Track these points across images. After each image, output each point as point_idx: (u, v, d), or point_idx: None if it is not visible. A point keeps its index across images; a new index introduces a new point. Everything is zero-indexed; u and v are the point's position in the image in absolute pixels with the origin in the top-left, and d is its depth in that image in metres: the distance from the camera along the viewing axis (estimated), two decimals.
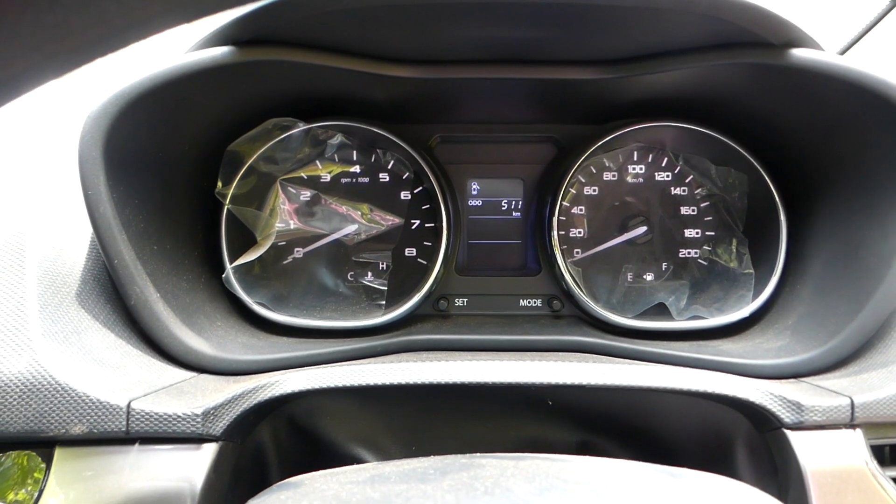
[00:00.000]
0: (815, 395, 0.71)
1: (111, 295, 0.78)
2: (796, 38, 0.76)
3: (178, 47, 0.79)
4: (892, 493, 0.66)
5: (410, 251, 1.06)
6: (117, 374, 0.70)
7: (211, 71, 0.76)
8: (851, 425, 0.70)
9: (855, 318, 0.77)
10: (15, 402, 0.65)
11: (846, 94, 0.76)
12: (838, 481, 0.67)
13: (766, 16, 0.73)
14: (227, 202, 0.96)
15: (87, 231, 0.79)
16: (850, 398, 0.69)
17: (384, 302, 1.01)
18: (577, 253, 1.04)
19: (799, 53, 0.76)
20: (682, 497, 0.49)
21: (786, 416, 0.70)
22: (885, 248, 0.76)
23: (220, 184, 0.95)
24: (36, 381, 0.65)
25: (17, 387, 0.65)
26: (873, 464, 0.68)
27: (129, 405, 0.66)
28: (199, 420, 0.66)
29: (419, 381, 0.73)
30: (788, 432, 0.70)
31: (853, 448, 0.69)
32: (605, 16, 0.74)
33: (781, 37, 0.76)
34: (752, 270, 0.98)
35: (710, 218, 1.04)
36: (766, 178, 0.97)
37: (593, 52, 0.85)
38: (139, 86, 0.74)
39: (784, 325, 0.89)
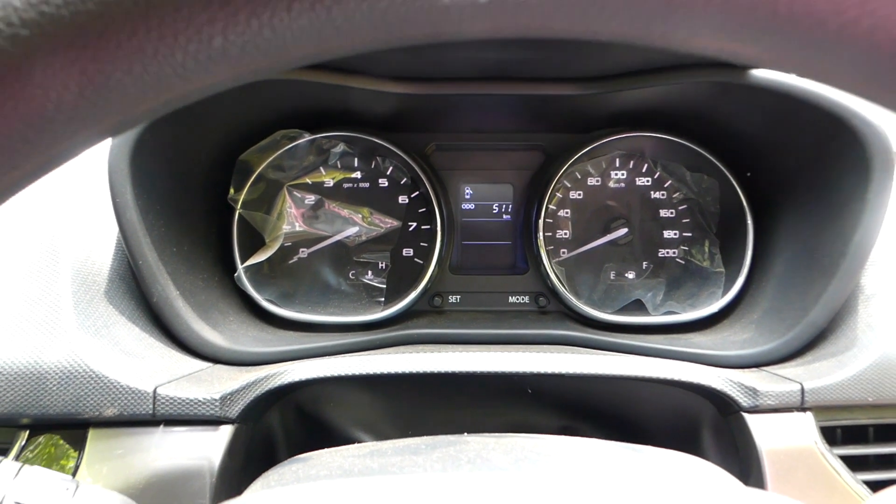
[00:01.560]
0: (770, 381, 0.79)
1: (135, 292, 0.86)
2: None
3: None
4: (840, 469, 0.74)
5: (408, 251, 1.13)
6: (143, 364, 0.78)
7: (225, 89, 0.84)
8: (802, 409, 0.77)
9: (809, 313, 0.85)
10: (54, 388, 0.73)
11: (799, 110, 0.84)
12: (790, 459, 0.75)
13: None
14: (239, 207, 1.03)
15: (113, 235, 0.86)
16: (801, 384, 0.77)
17: (383, 299, 1.08)
18: (563, 253, 1.12)
19: (757, 73, 0.84)
20: (641, 468, 0.57)
21: (743, 400, 0.77)
22: (835, 251, 0.84)
23: (232, 190, 1.02)
24: (73, 369, 0.73)
25: (56, 374, 0.73)
26: (822, 443, 0.76)
27: (155, 390, 0.74)
28: (217, 404, 0.74)
29: (415, 371, 0.81)
30: (746, 415, 0.78)
31: (804, 429, 0.77)
32: (583, 41, 0.81)
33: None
34: (722, 269, 1.05)
35: (687, 220, 1.11)
36: (735, 184, 1.04)
37: (574, 70, 0.92)
38: None
39: (749, 319, 0.96)
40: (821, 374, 0.79)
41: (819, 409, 0.78)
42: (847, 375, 0.78)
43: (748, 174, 1.03)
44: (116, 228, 0.85)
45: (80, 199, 0.88)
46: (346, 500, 0.40)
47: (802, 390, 0.77)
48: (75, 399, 0.73)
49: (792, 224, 0.95)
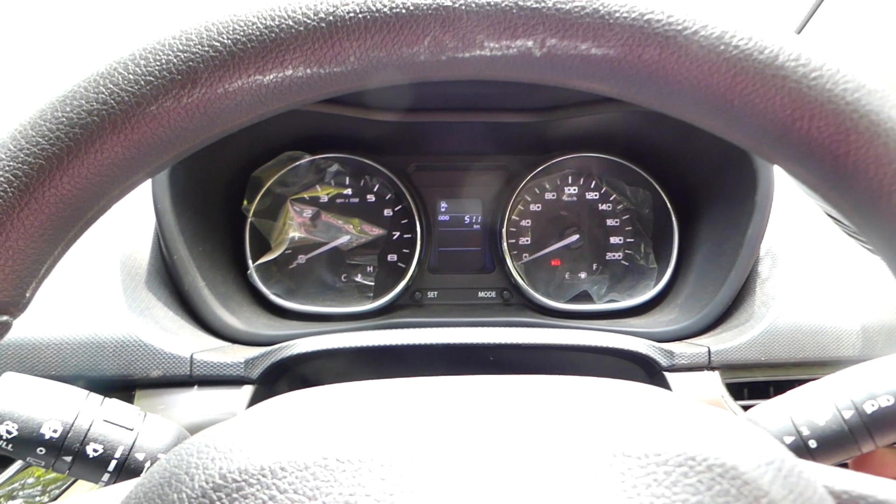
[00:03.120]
0: (684, 346, 0.97)
1: (168, 283, 1.03)
2: None
3: None
4: (740, 415, 0.93)
5: (392, 257, 1.31)
6: (179, 338, 0.96)
7: None
8: (710, 368, 0.94)
9: (716, 296, 1.05)
10: (110, 355, 0.89)
11: (701, 131, 1.04)
12: None
13: None
14: (251, 216, 1.22)
15: (149, 236, 1.04)
16: (708, 347, 0.95)
17: (372, 294, 1.27)
18: (525, 256, 1.31)
19: None
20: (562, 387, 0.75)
21: (663, 360, 0.95)
22: (735, 243, 1.03)
23: (245, 202, 1.21)
24: (125, 339, 0.90)
25: (112, 344, 0.90)
26: (727, 396, 0.94)
27: (192, 356, 0.91)
28: (241, 367, 0.91)
29: (401, 343, 0.97)
30: (666, 374, 0.94)
31: (712, 385, 0.93)
32: None
33: None
34: (655, 266, 1.25)
35: (629, 228, 1.32)
36: (664, 195, 1.25)
37: (527, 102, 1.13)
38: None
39: (675, 304, 1.16)
40: (725, 340, 0.97)
41: (724, 369, 0.95)
42: (744, 340, 0.96)
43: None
44: (152, 231, 1.03)
45: (124, 206, 1.06)
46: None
47: (709, 352, 0.95)
48: (127, 363, 0.90)
49: (707, 225, 1.16)
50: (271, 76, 0.44)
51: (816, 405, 0.64)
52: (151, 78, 0.42)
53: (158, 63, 0.42)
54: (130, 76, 0.41)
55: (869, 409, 0.61)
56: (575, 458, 0.36)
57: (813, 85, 0.39)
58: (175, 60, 0.42)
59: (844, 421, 0.62)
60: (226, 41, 0.42)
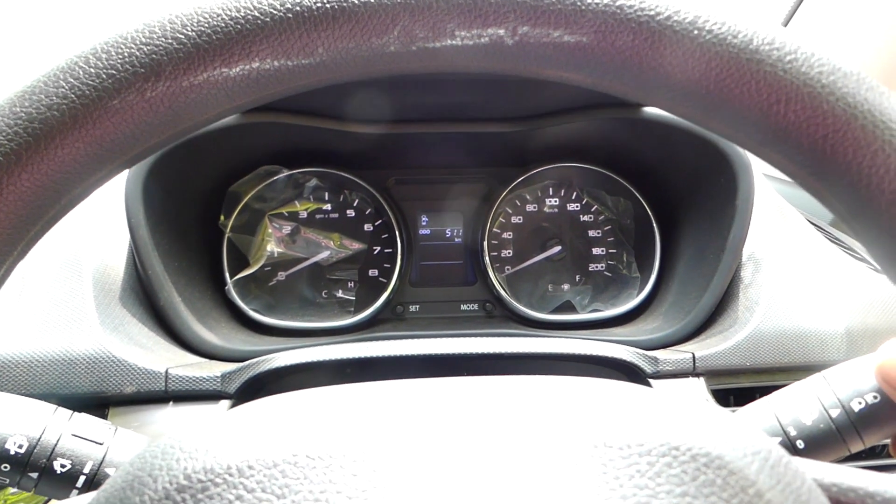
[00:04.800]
0: (668, 353, 0.96)
1: (143, 299, 1.01)
2: None
3: None
4: None
5: (373, 272, 1.30)
6: (154, 354, 0.94)
7: (220, 130, 1.02)
8: (695, 374, 0.94)
9: (700, 302, 1.04)
10: (82, 372, 0.87)
11: (681, 137, 1.05)
12: None
13: None
14: (228, 231, 1.20)
15: (124, 251, 1.02)
16: (692, 353, 0.95)
17: (353, 309, 1.25)
18: (507, 269, 1.31)
19: (647, 110, 1.05)
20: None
21: (647, 367, 0.94)
22: (717, 248, 1.03)
23: (222, 217, 1.20)
24: (97, 356, 0.88)
25: (84, 361, 0.88)
26: (713, 402, 0.94)
27: (166, 371, 0.89)
28: (218, 381, 0.89)
29: (382, 355, 0.96)
30: (651, 381, 0.95)
31: (697, 391, 0.93)
32: (510, 86, 1.02)
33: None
34: (638, 275, 1.25)
35: (611, 239, 1.31)
36: (644, 204, 1.25)
37: (504, 111, 1.13)
38: None
39: (659, 312, 1.15)
40: (709, 346, 0.96)
41: (709, 375, 0.94)
42: (728, 345, 0.95)
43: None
44: (127, 245, 1.01)
45: (97, 220, 1.04)
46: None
47: (693, 358, 0.94)
48: (100, 380, 0.87)
49: (688, 232, 1.16)
50: (238, 69, 0.43)
51: (802, 405, 0.63)
52: (113, 71, 0.41)
53: (120, 56, 0.41)
54: (91, 70, 0.40)
55: (856, 406, 0.60)
56: (555, 450, 0.34)
57: (788, 69, 0.39)
58: (138, 53, 0.41)
59: (832, 420, 0.61)
60: (190, 33, 0.41)
